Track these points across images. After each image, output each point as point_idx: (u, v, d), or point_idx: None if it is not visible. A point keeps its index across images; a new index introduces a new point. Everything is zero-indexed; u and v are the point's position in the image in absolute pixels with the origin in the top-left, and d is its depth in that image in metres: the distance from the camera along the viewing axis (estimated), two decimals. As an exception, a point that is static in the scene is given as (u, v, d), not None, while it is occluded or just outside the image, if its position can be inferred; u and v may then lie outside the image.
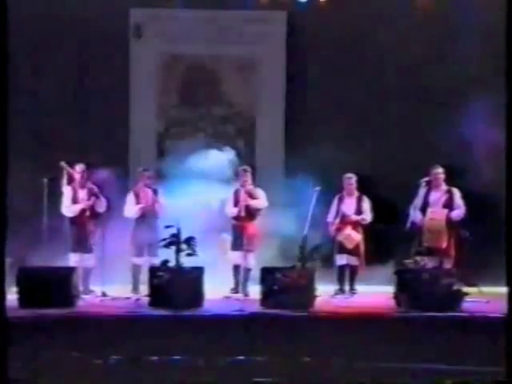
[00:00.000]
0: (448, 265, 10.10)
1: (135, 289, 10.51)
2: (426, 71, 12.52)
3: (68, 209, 10.49)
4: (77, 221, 10.48)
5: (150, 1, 13.30)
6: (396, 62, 12.68)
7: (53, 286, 9.16)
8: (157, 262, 10.18)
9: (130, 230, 10.65)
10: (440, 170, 10.60)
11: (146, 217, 10.65)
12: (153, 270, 9.56)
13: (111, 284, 10.49)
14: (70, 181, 10.64)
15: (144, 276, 10.17)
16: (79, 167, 10.64)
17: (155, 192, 10.74)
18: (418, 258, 10.09)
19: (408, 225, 10.41)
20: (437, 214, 10.43)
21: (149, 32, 13.40)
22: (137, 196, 10.73)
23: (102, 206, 10.53)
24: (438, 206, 10.51)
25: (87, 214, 10.49)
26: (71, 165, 10.66)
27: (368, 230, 11.01)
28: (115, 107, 13.01)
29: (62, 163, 10.57)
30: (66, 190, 10.55)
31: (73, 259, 10.35)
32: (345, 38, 12.83)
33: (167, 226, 9.63)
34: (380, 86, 12.63)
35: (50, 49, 12.77)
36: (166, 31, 13.45)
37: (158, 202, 10.68)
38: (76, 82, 12.89)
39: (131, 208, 10.65)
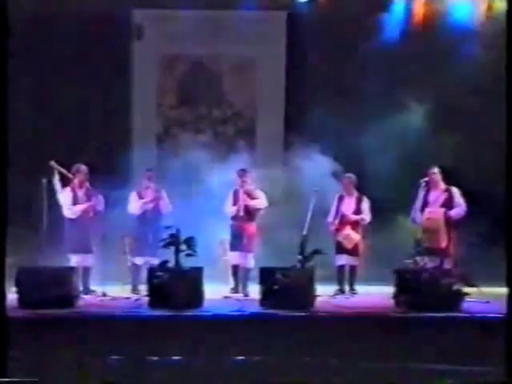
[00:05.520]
0: (448, 265, 10.10)
1: (135, 289, 10.50)
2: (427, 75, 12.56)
3: (70, 210, 10.47)
4: (77, 221, 10.47)
5: (151, 1, 13.31)
6: (397, 62, 12.69)
7: (53, 286, 9.15)
8: (156, 262, 10.20)
9: (131, 230, 10.64)
10: (436, 170, 10.59)
11: (148, 217, 10.64)
12: (152, 271, 9.55)
13: (111, 284, 10.50)
14: (64, 180, 10.59)
15: (144, 276, 10.16)
16: (79, 167, 10.61)
17: (158, 191, 10.72)
18: (417, 258, 10.09)
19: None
20: (433, 213, 10.42)
21: (149, 32, 13.42)
22: (140, 195, 10.73)
23: (100, 205, 10.54)
24: (436, 205, 10.49)
25: (89, 214, 10.49)
26: (69, 165, 10.64)
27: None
28: (115, 107, 13.02)
29: (52, 163, 10.51)
30: (65, 192, 10.52)
31: (73, 259, 10.34)
32: (345, 37, 12.84)
33: (167, 227, 9.63)
34: (380, 87, 12.62)
35: (51, 49, 12.78)
36: (166, 31, 13.47)
37: (162, 201, 10.67)
38: (76, 82, 12.89)
39: (134, 204, 10.65)
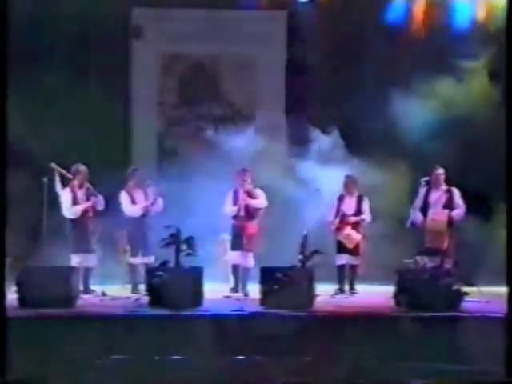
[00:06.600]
0: (448, 265, 10.11)
1: (134, 288, 10.50)
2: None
3: (69, 211, 10.46)
4: (78, 221, 10.47)
5: (150, 1, 13.31)
6: (397, 61, 12.69)
7: (53, 286, 9.14)
8: (151, 261, 10.20)
9: (126, 230, 10.63)
10: (441, 170, 10.61)
11: (142, 216, 10.64)
12: (152, 270, 9.55)
13: (111, 284, 10.50)
14: (65, 182, 10.58)
15: (142, 275, 10.16)
16: (78, 168, 10.60)
17: (149, 191, 10.71)
18: (418, 258, 10.10)
19: (408, 224, 10.42)
20: (438, 215, 10.44)
21: (149, 32, 13.42)
22: (131, 195, 10.70)
23: (100, 204, 10.54)
24: (438, 206, 10.51)
25: (89, 214, 10.49)
26: (69, 165, 10.63)
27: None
28: (115, 107, 13.01)
29: (53, 164, 10.51)
30: (65, 192, 10.51)
31: (74, 260, 10.33)
32: (345, 37, 12.85)
33: (167, 226, 9.62)
34: (380, 87, 12.61)
35: (50, 48, 12.77)
36: (166, 31, 13.47)
37: (154, 201, 10.65)
38: (76, 82, 12.88)
39: (131, 207, 10.62)
